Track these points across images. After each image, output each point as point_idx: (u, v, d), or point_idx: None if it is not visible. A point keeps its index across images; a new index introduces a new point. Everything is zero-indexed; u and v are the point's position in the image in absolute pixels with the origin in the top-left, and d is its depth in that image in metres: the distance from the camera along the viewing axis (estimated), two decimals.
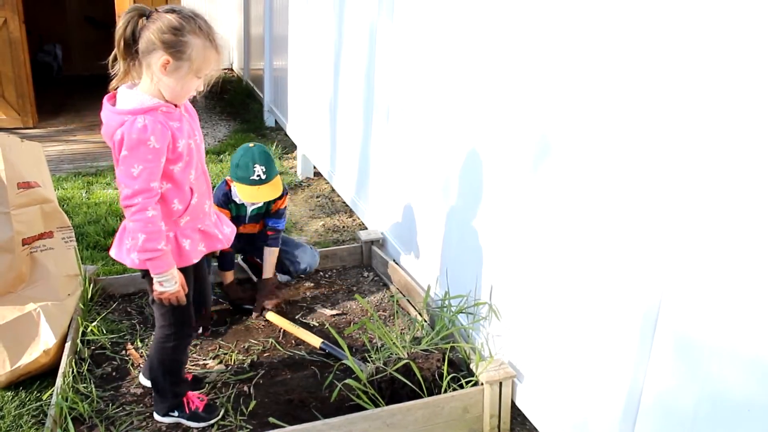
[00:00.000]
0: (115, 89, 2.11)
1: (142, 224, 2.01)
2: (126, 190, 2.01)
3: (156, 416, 2.42)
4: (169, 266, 2.09)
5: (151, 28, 1.96)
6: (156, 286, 2.12)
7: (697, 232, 1.56)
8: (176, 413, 2.40)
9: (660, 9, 1.63)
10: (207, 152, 6.11)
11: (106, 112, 2.07)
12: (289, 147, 6.34)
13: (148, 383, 2.47)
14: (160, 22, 1.95)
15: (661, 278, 1.67)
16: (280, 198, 3.14)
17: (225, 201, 3.06)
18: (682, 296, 1.61)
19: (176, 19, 1.96)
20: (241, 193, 2.97)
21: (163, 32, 1.95)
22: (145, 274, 2.17)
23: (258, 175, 2.92)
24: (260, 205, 3.14)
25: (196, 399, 2.44)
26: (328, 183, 5.31)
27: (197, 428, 2.39)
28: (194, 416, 2.40)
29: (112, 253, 2.24)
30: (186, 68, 2.00)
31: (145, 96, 2.02)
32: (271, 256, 3.22)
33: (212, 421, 2.41)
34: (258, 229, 3.26)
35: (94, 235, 4.05)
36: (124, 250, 2.17)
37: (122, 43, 2.00)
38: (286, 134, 6.55)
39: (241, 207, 3.12)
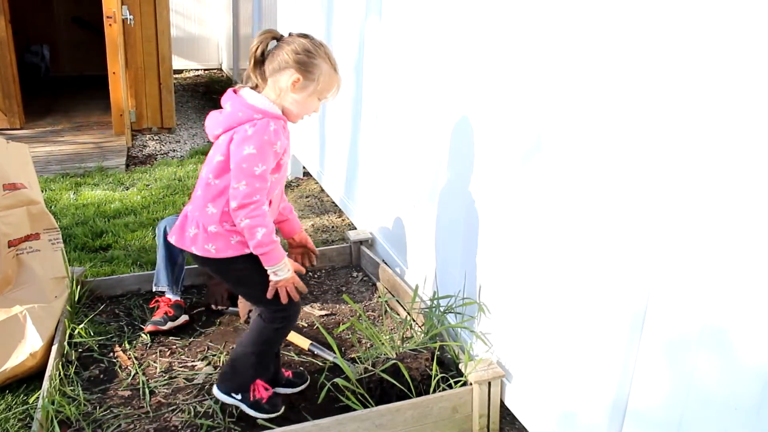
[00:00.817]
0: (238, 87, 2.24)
1: (261, 219, 2.12)
2: (246, 188, 2.10)
3: (216, 391, 2.39)
4: (282, 255, 2.19)
5: (286, 48, 2.14)
6: (272, 277, 2.20)
7: (685, 230, 1.56)
8: (239, 396, 2.39)
9: (657, 4, 1.63)
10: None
11: (235, 102, 2.17)
12: None
13: (223, 397, 2.40)
14: (295, 45, 2.15)
15: (649, 277, 1.68)
16: None
17: None
18: (670, 295, 1.62)
19: (309, 43, 2.16)
20: None
21: (297, 53, 2.14)
22: (207, 262, 2.24)
23: None
24: None
25: (262, 388, 2.42)
26: (317, 183, 5.31)
27: (257, 418, 2.38)
28: (256, 405, 2.39)
29: (172, 239, 2.30)
30: (312, 88, 2.18)
31: (272, 105, 2.17)
32: None
33: (273, 415, 2.39)
34: None
35: (82, 237, 4.02)
36: (188, 238, 2.24)
37: (253, 60, 2.18)
38: None
39: None
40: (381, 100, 3.43)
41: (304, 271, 2.35)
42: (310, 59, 2.15)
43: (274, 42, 2.19)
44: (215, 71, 10.90)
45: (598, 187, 1.84)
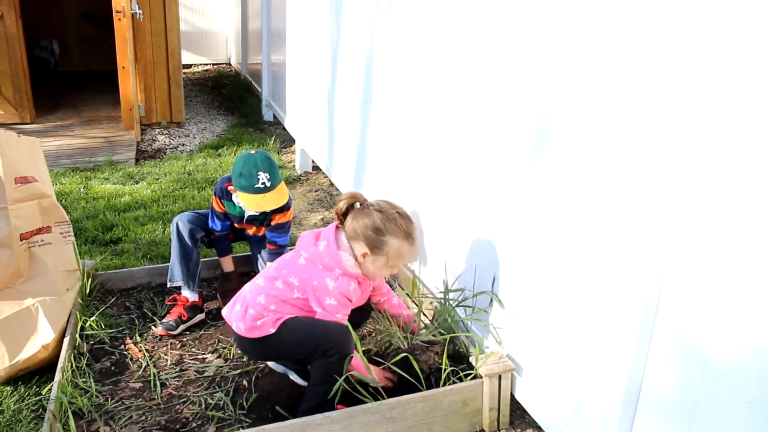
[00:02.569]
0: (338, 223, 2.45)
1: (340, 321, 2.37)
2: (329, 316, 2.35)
3: None
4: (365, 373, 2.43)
5: (359, 221, 2.34)
6: None
7: (697, 224, 1.55)
8: None
9: None
10: (205, 147, 6.12)
11: (330, 247, 2.35)
12: (288, 141, 6.33)
13: None
14: (367, 219, 2.33)
15: (661, 269, 1.67)
16: (281, 211, 3.02)
17: (222, 195, 3.03)
18: (683, 287, 1.61)
19: (380, 221, 2.32)
20: (246, 202, 2.87)
21: (367, 229, 2.32)
22: (245, 341, 2.42)
23: (263, 183, 2.81)
24: (256, 213, 3.03)
25: None
26: (326, 177, 5.31)
27: None
28: None
29: (224, 312, 2.52)
30: (382, 261, 2.36)
31: (355, 266, 2.37)
32: None
33: None
34: (262, 232, 3.18)
35: (93, 230, 4.04)
36: (233, 315, 2.44)
37: (338, 215, 2.43)
38: (284, 128, 6.55)
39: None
40: (391, 91, 3.42)
41: (391, 385, 2.48)
42: (379, 237, 2.31)
43: (358, 204, 2.40)
44: (224, 66, 10.91)
45: (609, 177, 1.83)
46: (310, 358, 2.35)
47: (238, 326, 2.40)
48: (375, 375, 2.43)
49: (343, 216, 2.42)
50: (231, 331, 2.48)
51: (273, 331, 2.35)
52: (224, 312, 2.51)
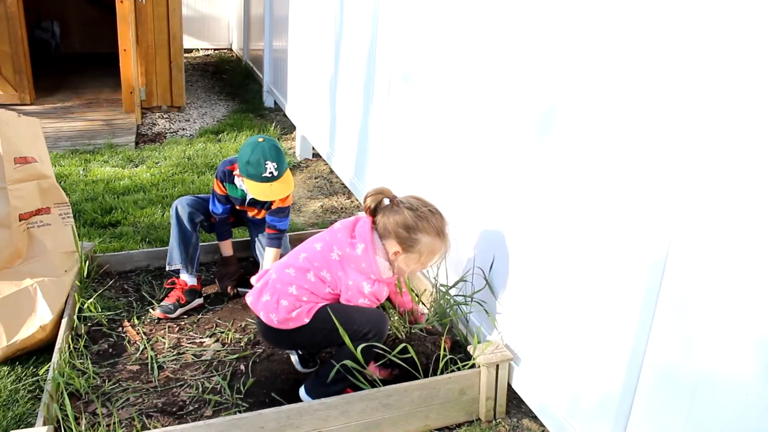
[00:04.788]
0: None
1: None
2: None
3: (303, 394, 2.40)
4: None
5: (390, 218, 2.30)
6: None
7: (698, 216, 1.55)
8: None
9: None
10: (206, 132, 6.10)
11: (368, 251, 2.31)
12: (288, 128, 6.32)
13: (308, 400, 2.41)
14: (398, 216, 2.29)
15: (661, 259, 1.67)
16: None
17: (224, 178, 3.02)
18: (684, 276, 1.61)
19: (411, 218, 2.28)
20: (253, 190, 2.86)
21: (398, 226, 2.28)
22: (275, 332, 2.38)
23: (270, 172, 2.79)
24: None
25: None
26: (326, 164, 5.30)
27: None
28: None
29: (248, 300, 2.43)
30: (414, 259, 2.33)
31: (389, 269, 2.36)
32: (270, 256, 3.05)
33: None
34: (262, 215, 3.16)
35: (91, 213, 4.03)
36: (261, 304, 2.37)
37: (367, 212, 2.38)
38: (285, 115, 6.53)
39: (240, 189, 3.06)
40: (394, 77, 3.41)
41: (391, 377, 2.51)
42: (410, 235, 2.28)
43: (387, 200, 2.35)
44: (225, 51, 10.87)
45: (607, 163, 1.83)
46: (345, 338, 2.32)
47: (269, 317, 2.32)
48: (379, 374, 2.44)
49: (372, 213, 2.37)
50: (257, 319, 2.41)
51: (308, 320, 2.31)
52: (249, 300, 2.42)
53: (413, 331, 2.60)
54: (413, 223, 2.27)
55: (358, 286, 2.32)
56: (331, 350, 2.53)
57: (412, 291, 2.69)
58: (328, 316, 2.30)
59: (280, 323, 2.32)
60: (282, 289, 2.33)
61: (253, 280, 2.48)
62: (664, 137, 1.64)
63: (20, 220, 2.78)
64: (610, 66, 1.82)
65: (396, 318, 2.64)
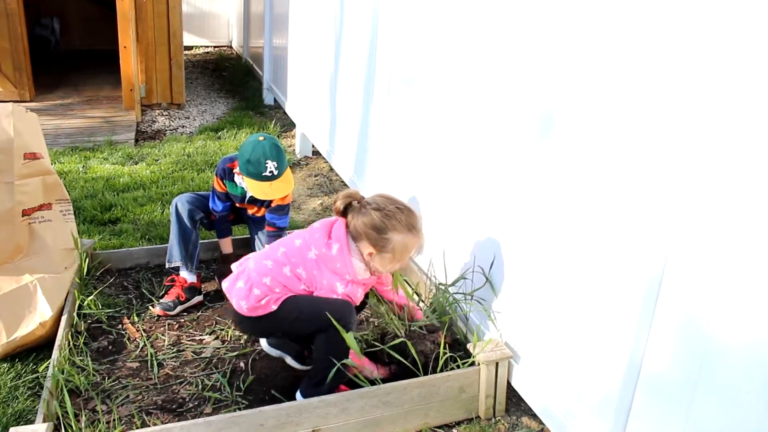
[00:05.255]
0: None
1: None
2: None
3: (299, 396, 2.39)
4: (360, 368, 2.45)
5: (359, 220, 2.29)
6: None
7: (700, 210, 1.55)
8: None
9: None
10: (205, 129, 6.10)
11: (342, 252, 2.30)
12: (288, 125, 6.31)
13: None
14: (366, 218, 2.28)
15: (662, 256, 1.67)
16: None
17: (224, 175, 3.02)
18: (685, 276, 1.61)
19: (379, 218, 2.26)
20: (253, 189, 2.86)
21: (367, 227, 2.28)
22: (244, 319, 2.38)
23: (270, 171, 2.80)
24: None
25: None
26: (326, 162, 5.30)
27: None
28: None
29: (224, 286, 2.44)
30: (388, 258, 2.31)
31: (364, 271, 2.35)
32: None
33: None
34: (262, 213, 3.16)
35: (91, 210, 4.03)
36: (234, 291, 2.37)
37: (337, 214, 2.38)
38: (284, 113, 6.52)
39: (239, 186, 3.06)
40: (394, 76, 3.41)
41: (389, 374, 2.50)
42: (381, 235, 2.27)
43: (356, 203, 2.34)
44: (225, 48, 10.85)
45: (607, 162, 1.83)
46: (311, 333, 2.33)
47: (239, 304, 2.34)
48: (378, 372, 2.44)
49: (342, 215, 2.37)
50: (230, 307, 2.43)
51: (275, 308, 2.32)
52: (224, 285, 2.44)
53: (412, 328, 2.60)
54: (381, 223, 2.26)
55: (332, 286, 2.32)
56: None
57: (406, 285, 2.68)
58: (297, 306, 2.32)
59: (249, 311, 2.33)
60: (257, 278, 2.34)
61: (233, 266, 2.49)
62: (666, 129, 1.64)
63: (23, 216, 2.78)
64: (613, 65, 1.82)
65: (395, 318, 2.63)
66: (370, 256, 2.31)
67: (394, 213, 2.28)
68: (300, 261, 2.35)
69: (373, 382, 2.34)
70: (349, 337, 2.26)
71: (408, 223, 2.29)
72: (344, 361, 2.31)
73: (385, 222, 2.26)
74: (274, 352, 2.64)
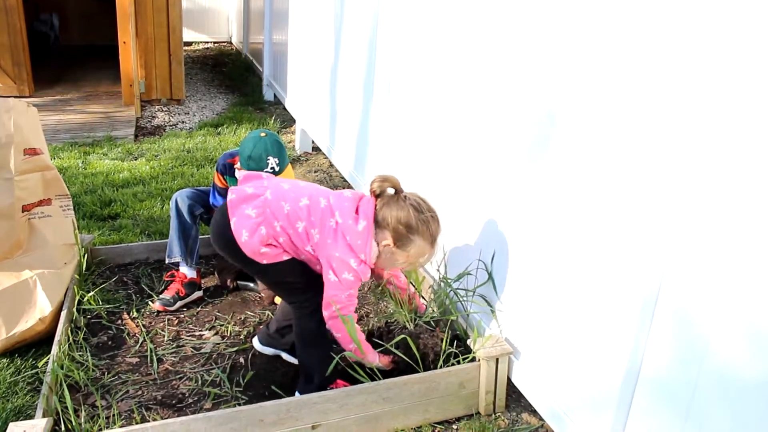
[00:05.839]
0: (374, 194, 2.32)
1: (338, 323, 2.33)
2: (337, 287, 2.29)
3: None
4: (365, 355, 2.40)
5: (393, 212, 2.24)
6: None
7: (699, 207, 1.55)
8: None
9: None
10: (205, 125, 6.09)
11: (367, 234, 2.25)
12: (288, 121, 6.31)
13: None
14: (402, 212, 2.23)
15: (662, 254, 1.66)
16: None
17: (224, 170, 3.01)
18: (684, 273, 1.60)
19: (415, 219, 2.23)
20: None
21: (399, 222, 2.23)
22: (232, 244, 2.27)
23: (271, 167, 2.80)
24: None
25: (342, 386, 2.40)
26: (326, 158, 5.29)
27: None
28: None
29: (230, 197, 2.33)
30: (402, 257, 2.29)
31: (375, 254, 2.30)
32: None
33: None
34: None
35: (91, 205, 4.03)
36: (239, 213, 2.28)
37: (372, 194, 2.31)
38: (284, 108, 6.52)
39: None
40: (394, 72, 3.40)
41: (394, 367, 2.47)
42: (408, 234, 2.23)
43: (391, 190, 2.29)
44: (225, 44, 10.84)
45: (609, 161, 1.82)
46: (285, 297, 2.40)
47: (240, 231, 2.25)
48: (379, 360, 2.43)
49: (375, 195, 2.31)
50: (221, 219, 2.31)
51: (266, 262, 2.29)
52: (231, 197, 2.31)
53: (417, 323, 2.59)
54: (415, 224, 2.23)
55: (346, 261, 2.24)
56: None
57: (417, 277, 2.68)
58: (294, 270, 2.32)
59: (243, 245, 2.25)
60: (269, 218, 2.26)
61: (238, 174, 2.40)
62: (667, 132, 1.64)
63: (23, 211, 2.78)
64: (613, 65, 1.81)
65: (403, 310, 2.63)
66: (385, 248, 2.27)
67: (428, 221, 2.25)
68: (318, 223, 2.26)
69: (372, 378, 2.34)
70: (352, 329, 2.27)
71: (434, 234, 2.28)
72: (344, 354, 2.31)
73: (419, 225, 2.23)
74: (268, 351, 2.64)
